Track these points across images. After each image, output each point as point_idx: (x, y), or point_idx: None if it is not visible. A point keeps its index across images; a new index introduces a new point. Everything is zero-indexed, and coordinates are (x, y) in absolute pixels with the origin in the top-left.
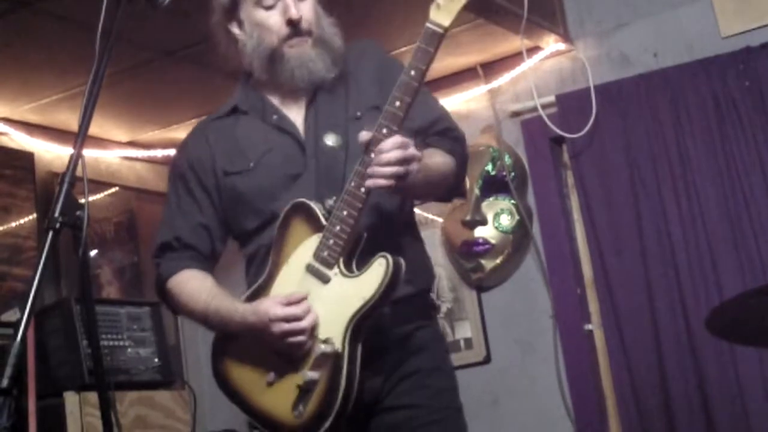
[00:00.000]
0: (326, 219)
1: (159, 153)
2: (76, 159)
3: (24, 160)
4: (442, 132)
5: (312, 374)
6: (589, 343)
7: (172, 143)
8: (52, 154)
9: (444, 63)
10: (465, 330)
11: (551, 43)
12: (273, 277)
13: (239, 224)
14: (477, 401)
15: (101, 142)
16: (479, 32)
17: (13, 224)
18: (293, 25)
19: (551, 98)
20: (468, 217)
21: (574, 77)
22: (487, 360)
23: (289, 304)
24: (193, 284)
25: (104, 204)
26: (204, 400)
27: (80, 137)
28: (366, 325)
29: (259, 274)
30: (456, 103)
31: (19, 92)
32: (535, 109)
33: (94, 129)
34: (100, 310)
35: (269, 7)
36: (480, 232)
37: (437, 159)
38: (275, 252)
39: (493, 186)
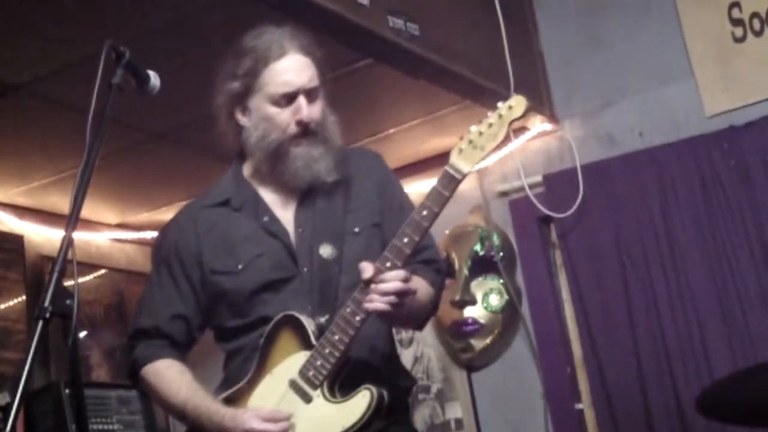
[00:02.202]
0: (316, 337)
1: (149, 235)
2: (66, 246)
3: (14, 242)
4: (427, 262)
5: None
6: (579, 422)
7: (161, 225)
8: (42, 236)
9: (431, 144)
10: (455, 410)
11: (538, 124)
12: (254, 384)
13: (220, 320)
14: None
15: (91, 225)
16: (466, 113)
17: (2, 306)
18: (303, 126)
19: (538, 178)
20: (457, 297)
21: (561, 157)
22: None
23: (269, 420)
24: (170, 377)
25: (94, 286)
26: None
27: (71, 222)
28: None
29: (239, 374)
30: None
31: (10, 175)
32: (522, 189)
33: (84, 211)
34: (89, 393)
35: (281, 105)
36: (469, 312)
37: (422, 291)
38: (260, 359)
39: (482, 266)
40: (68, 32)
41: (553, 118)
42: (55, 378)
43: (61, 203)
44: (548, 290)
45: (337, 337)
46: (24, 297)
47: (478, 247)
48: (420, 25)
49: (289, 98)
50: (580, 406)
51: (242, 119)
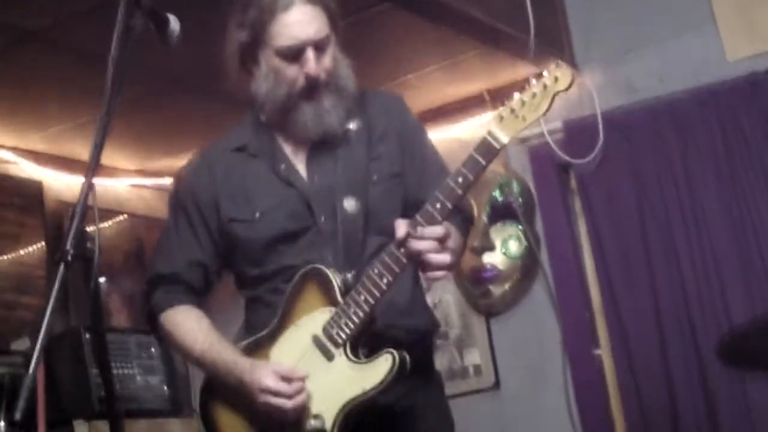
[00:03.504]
0: (342, 294)
1: (168, 181)
2: (87, 191)
3: (33, 189)
4: (461, 209)
5: None
6: (598, 368)
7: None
8: (60, 183)
9: (451, 90)
10: (474, 356)
11: None
12: (276, 335)
13: (239, 267)
14: (486, 427)
15: (110, 171)
16: (486, 59)
17: (22, 252)
18: (312, 80)
19: (558, 124)
20: (476, 244)
21: (581, 103)
22: (496, 386)
23: (284, 379)
24: (188, 324)
25: (113, 232)
26: None
27: (92, 168)
28: (360, 411)
29: (261, 322)
30: (463, 129)
31: (29, 122)
32: (542, 135)
33: (103, 158)
34: (109, 338)
35: (290, 59)
36: (488, 258)
37: (455, 241)
38: (284, 310)
39: (501, 212)
40: None
41: (573, 64)
42: (75, 324)
43: (80, 150)
44: (567, 237)
45: (362, 298)
46: (43, 243)
47: (497, 194)
48: None
49: (296, 51)
50: (598, 351)
51: (252, 69)
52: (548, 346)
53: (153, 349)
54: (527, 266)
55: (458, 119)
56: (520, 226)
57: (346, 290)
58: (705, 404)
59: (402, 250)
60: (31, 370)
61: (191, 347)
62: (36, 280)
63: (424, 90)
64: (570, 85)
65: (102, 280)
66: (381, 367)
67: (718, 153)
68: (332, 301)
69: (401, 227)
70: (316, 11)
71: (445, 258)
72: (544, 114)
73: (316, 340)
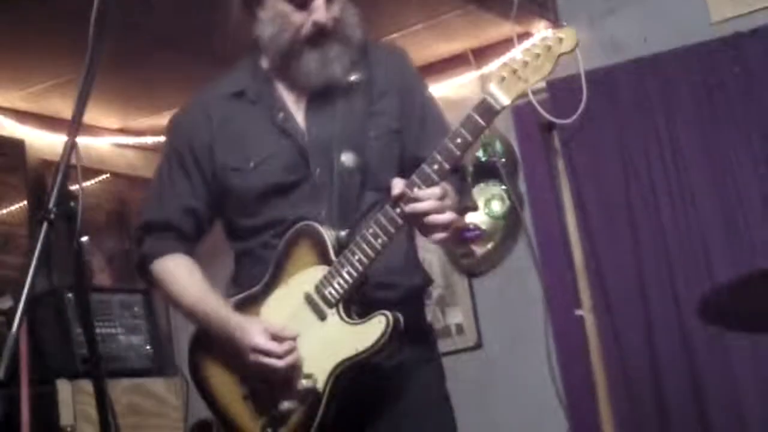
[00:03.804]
0: (335, 252)
1: (150, 140)
2: (70, 149)
3: (15, 147)
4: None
5: (288, 404)
6: (580, 328)
7: (163, 130)
8: (43, 141)
9: (435, 49)
10: (456, 316)
11: (541, 29)
12: (268, 292)
13: (230, 216)
14: (467, 387)
15: (92, 129)
16: (470, 18)
17: (3, 211)
18: (319, 27)
19: (542, 84)
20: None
21: (565, 63)
22: (478, 345)
23: (275, 338)
24: (180, 274)
25: (95, 191)
26: None
27: (74, 126)
28: (352, 371)
29: (251, 277)
30: (447, 89)
31: (10, 80)
32: (525, 94)
33: (85, 116)
34: (92, 298)
35: (297, 4)
36: (471, 218)
37: (452, 200)
38: (276, 266)
39: (484, 172)
40: None
41: (556, 23)
42: (58, 283)
43: (62, 108)
44: (550, 197)
45: (356, 257)
46: (25, 202)
47: (480, 154)
48: None
49: None
50: (580, 312)
51: (257, 11)
52: (531, 306)
53: (136, 309)
54: (510, 226)
55: (442, 78)
56: (503, 186)
57: (339, 248)
58: (687, 363)
59: (397, 210)
60: (14, 330)
61: (182, 297)
62: (18, 239)
63: (409, 49)
64: (575, 47)
65: (84, 239)
66: (374, 328)
67: (701, 112)
68: (325, 260)
69: (397, 186)
70: None
71: (445, 218)
72: (548, 76)
73: (309, 299)
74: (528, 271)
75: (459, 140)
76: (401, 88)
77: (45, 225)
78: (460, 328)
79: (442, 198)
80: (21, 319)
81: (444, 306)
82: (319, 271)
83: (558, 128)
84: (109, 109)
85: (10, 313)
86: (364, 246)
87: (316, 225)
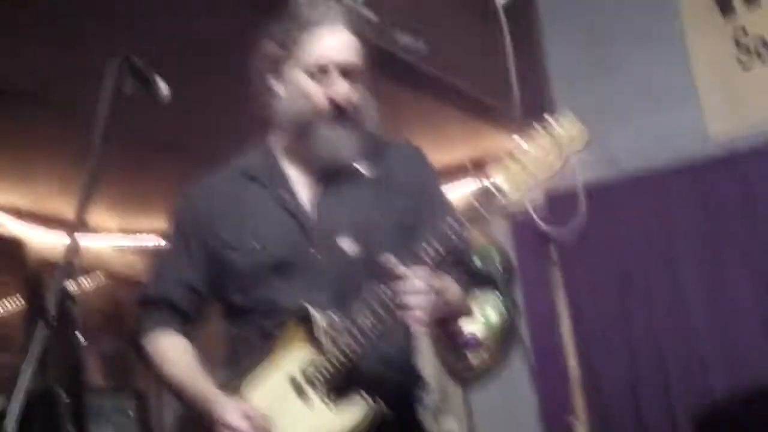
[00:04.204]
0: (326, 336)
1: (149, 242)
2: (72, 252)
3: (13, 247)
4: (456, 263)
5: None
6: None
7: (162, 233)
8: (42, 241)
9: (435, 159)
10: (451, 424)
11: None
12: (256, 374)
13: (227, 296)
14: None
15: (92, 230)
16: (470, 129)
17: (0, 310)
18: (335, 104)
19: (540, 196)
20: None
21: (563, 175)
22: None
23: (248, 418)
24: (168, 350)
25: (93, 292)
26: None
27: (77, 229)
28: None
29: (243, 361)
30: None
31: (13, 180)
32: (524, 206)
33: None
34: (86, 398)
35: (316, 77)
36: (467, 327)
37: (452, 292)
38: (267, 349)
39: (481, 282)
40: (77, 40)
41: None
42: (52, 382)
43: (63, 209)
44: (546, 308)
45: (345, 342)
46: (22, 301)
47: (478, 264)
48: (428, 43)
49: (325, 72)
50: (576, 423)
51: (276, 86)
52: (525, 415)
53: (129, 411)
54: (506, 336)
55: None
56: (500, 296)
57: (330, 332)
58: None
59: (395, 300)
60: (10, 429)
61: (168, 372)
62: (14, 338)
63: None
64: (585, 146)
65: (81, 340)
66: (355, 414)
67: (699, 228)
68: (314, 343)
69: (391, 258)
70: (353, 39)
71: (418, 301)
72: (556, 175)
73: (294, 381)
74: (523, 381)
75: (456, 224)
76: (419, 186)
77: (42, 327)
78: None
79: (426, 280)
80: (16, 421)
81: (438, 414)
82: (307, 354)
83: (556, 240)
84: (109, 211)
85: (3, 413)
86: (357, 333)
87: (309, 308)
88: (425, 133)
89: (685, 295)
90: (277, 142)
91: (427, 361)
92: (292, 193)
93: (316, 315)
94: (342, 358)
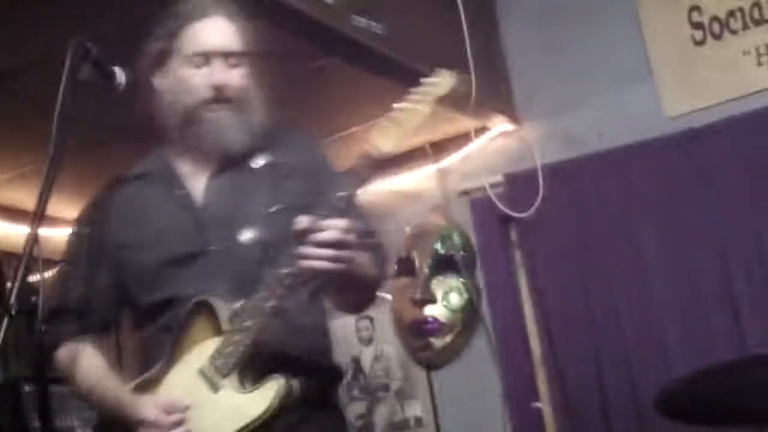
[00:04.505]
0: (228, 323)
1: None
2: (32, 243)
3: None
4: (366, 234)
5: None
6: (538, 421)
7: None
8: (2, 232)
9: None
10: (415, 409)
11: (499, 124)
12: (165, 372)
13: (132, 298)
14: None
15: (52, 220)
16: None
17: None
18: (216, 90)
19: (499, 177)
20: (417, 296)
21: (522, 157)
22: None
23: (164, 411)
24: (80, 361)
25: (53, 281)
26: None
27: (37, 219)
28: None
29: (150, 361)
30: (405, 182)
31: None
32: (483, 188)
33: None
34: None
35: (197, 66)
36: (430, 310)
37: (366, 264)
38: (172, 346)
39: (443, 264)
40: (34, 27)
41: (514, 118)
42: (15, 374)
43: (22, 198)
44: (508, 289)
45: (247, 324)
46: None
47: (438, 246)
48: (383, 24)
49: (205, 59)
50: (538, 404)
51: (161, 84)
52: (489, 398)
53: None
54: (469, 319)
55: (400, 171)
56: (461, 279)
57: (232, 318)
58: None
59: (287, 270)
60: None
61: (80, 384)
62: None
63: (367, 142)
64: (452, 88)
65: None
66: (266, 394)
67: (657, 206)
68: (218, 332)
69: (304, 219)
70: (233, 27)
71: (324, 251)
72: (425, 118)
73: (202, 373)
74: (487, 364)
75: (342, 193)
76: (305, 168)
77: (5, 320)
78: (419, 421)
79: (347, 231)
80: None
81: (403, 399)
82: (212, 344)
83: (516, 221)
84: (69, 200)
85: None
86: (254, 311)
87: (208, 299)
88: (382, 116)
89: (647, 274)
90: (170, 143)
91: (391, 346)
92: (183, 189)
93: (213, 303)
94: (247, 341)
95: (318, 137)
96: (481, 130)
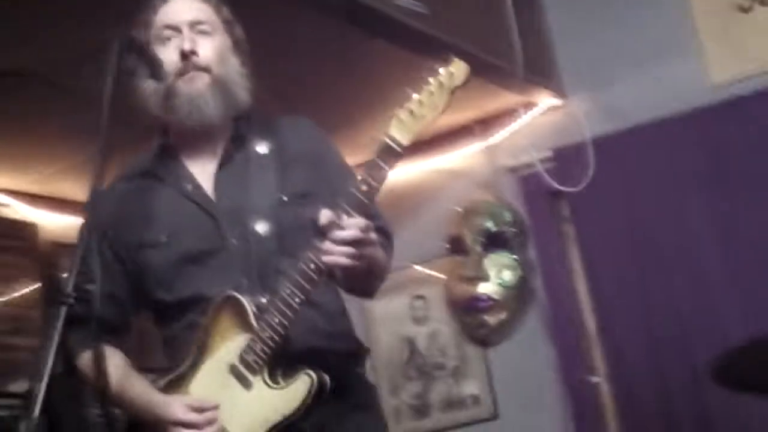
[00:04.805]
0: (256, 319)
1: None
2: (87, 232)
3: (27, 230)
4: (378, 229)
5: None
6: (594, 395)
7: None
8: (54, 224)
9: (439, 121)
10: (472, 387)
11: (545, 99)
12: (195, 369)
13: (153, 296)
14: None
15: None
16: (474, 90)
17: (16, 295)
18: (185, 57)
19: (548, 153)
20: (470, 274)
21: (570, 131)
22: (494, 416)
23: (195, 410)
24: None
25: None
26: None
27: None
28: None
29: (179, 358)
30: (453, 160)
31: (22, 164)
32: (532, 164)
33: None
34: None
35: (166, 40)
36: (483, 288)
37: (379, 252)
38: (201, 344)
39: (494, 242)
40: (82, 21)
41: (560, 93)
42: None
43: (75, 190)
44: (560, 264)
45: (276, 320)
46: (38, 284)
47: (489, 224)
48: (426, 2)
49: (174, 31)
50: (595, 379)
51: (141, 71)
52: (545, 374)
53: None
54: (522, 295)
55: (448, 149)
56: (513, 255)
57: (261, 314)
58: (703, 426)
59: (312, 265)
60: (35, 413)
61: (110, 386)
62: (30, 321)
63: None
64: (467, 80)
65: None
66: (299, 389)
67: (706, 174)
68: (247, 328)
69: (326, 213)
70: (197, 2)
71: (344, 248)
72: (443, 111)
73: (234, 370)
74: (541, 339)
75: (365, 187)
76: (310, 155)
77: (63, 309)
78: (475, 399)
79: (366, 229)
80: (40, 403)
81: (459, 377)
82: (242, 340)
83: (566, 196)
84: None
85: (26, 396)
86: (283, 307)
87: (236, 295)
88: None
89: (698, 243)
90: (169, 133)
91: (446, 325)
92: (194, 183)
93: (241, 299)
94: (275, 336)
95: (328, 126)
96: (527, 106)
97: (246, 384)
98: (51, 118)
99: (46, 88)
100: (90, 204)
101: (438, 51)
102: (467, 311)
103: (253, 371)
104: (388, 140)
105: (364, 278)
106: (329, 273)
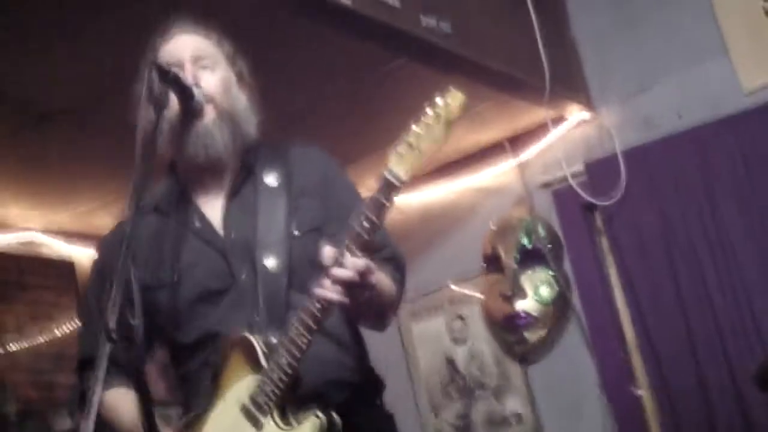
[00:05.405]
0: (266, 358)
1: None
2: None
3: (65, 268)
4: (387, 260)
5: None
6: (638, 407)
7: None
8: (91, 260)
9: (471, 140)
10: (514, 404)
11: (575, 112)
12: (208, 411)
13: (166, 335)
14: None
15: None
16: (503, 107)
17: (57, 332)
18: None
19: (580, 167)
20: (507, 291)
21: (601, 144)
22: None
23: None
24: (120, 407)
25: None
26: None
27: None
28: None
29: (192, 400)
30: (486, 178)
31: (56, 202)
32: (564, 178)
33: None
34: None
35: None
36: (521, 305)
37: (385, 286)
38: (213, 385)
39: (530, 258)
40: (109, 58)
41: (590, 105)
42: None
43: (109, 226)
44: (597, 278)
45: (285, 361)
46: (77, 321)
47: (524, 240)
48: (452, 22)
49: (177, 70)
50: (639, 392)
51: (150, 112)
52: (587, 388)
53: None
54: (560, 310)
55: (480, 168)
56: (550, 271)
57: (270, 353)
58: None
59: (317, 305)
60: None
61: (124, 423)
62: (70, 359)
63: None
64: (463, 110)
65: None
66: (307, 429)
67: (740, 182)
68: (257, 368)
69: (329, 253)
70: (198, 38)
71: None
72: (444, 143)
73: (245, 410)
74: (582, 354)
75: (366, 224)
76: (323, 183)
77: (108, 345)
78: (519, 417)
79: (365, 273)
80: None
81: (500, 395)
82: (252, 381)
83: (600, 209)
84: None
85: None
86: (291, 347)
87: (246, 334)
88: (461, 116)
89: (734, 251)
90: (177, 168)
91: (486, 344)
92: (202, 219)
93: (252, 339)
94: (283, 378)
95: (338, 157)
96: (557, 120)
97: (257, 425)
98: (83, 155)
99: (78, 125)
100: (101, 246)
101: (464, 69)
102: (506, 329)
103: (264, 412)
104: (387, 175)
105: (369, 312)
106: (331, 309)
